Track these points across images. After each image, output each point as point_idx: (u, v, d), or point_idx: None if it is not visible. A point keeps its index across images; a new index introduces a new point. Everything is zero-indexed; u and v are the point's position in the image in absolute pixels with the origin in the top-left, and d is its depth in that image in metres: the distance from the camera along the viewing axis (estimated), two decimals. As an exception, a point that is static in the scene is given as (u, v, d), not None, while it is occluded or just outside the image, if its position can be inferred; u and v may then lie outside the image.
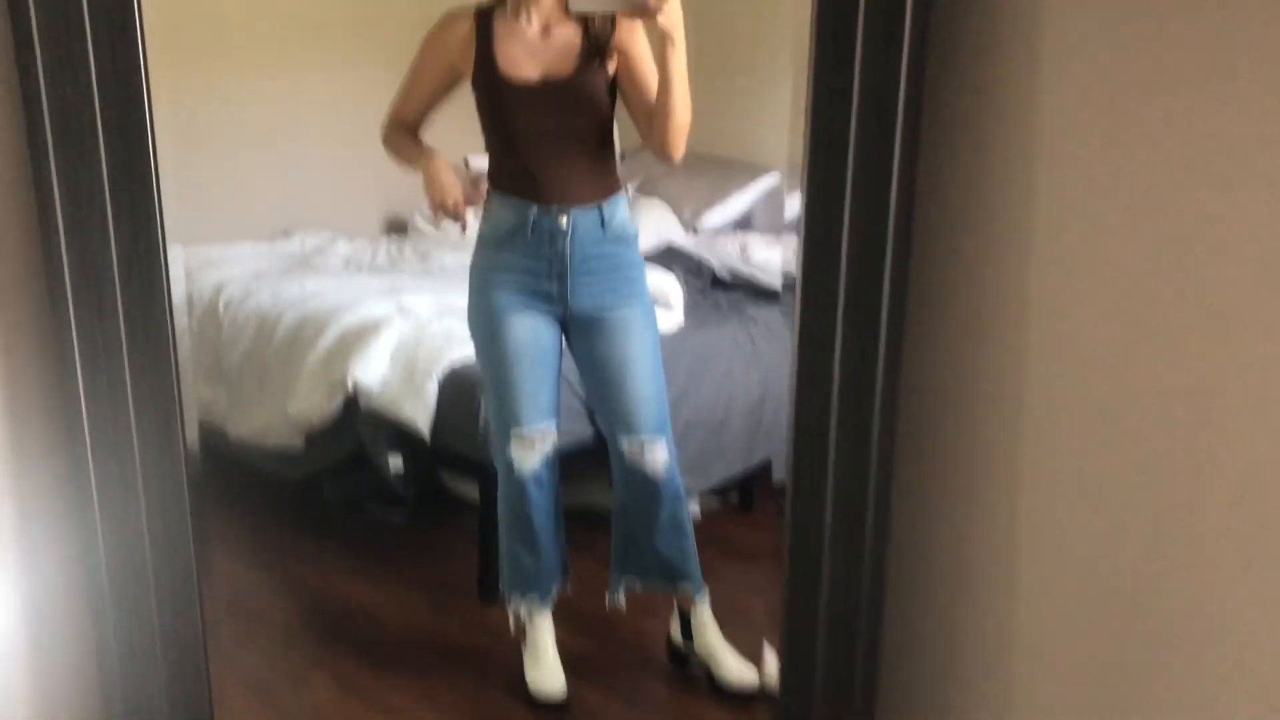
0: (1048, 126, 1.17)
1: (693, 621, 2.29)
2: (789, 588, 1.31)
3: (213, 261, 3.43)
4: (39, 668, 1.42)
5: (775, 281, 3.22)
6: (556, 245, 2.08)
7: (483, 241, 2.16)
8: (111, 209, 1.26)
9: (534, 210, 2.07)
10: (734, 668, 2.24)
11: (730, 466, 2.91)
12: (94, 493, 1.26)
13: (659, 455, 2.19)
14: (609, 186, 2.12)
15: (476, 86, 2.06)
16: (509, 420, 2.16)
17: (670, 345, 2.76)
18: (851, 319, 1.17)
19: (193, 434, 1.32)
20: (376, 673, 2.24)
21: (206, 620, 1.41)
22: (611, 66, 2.04)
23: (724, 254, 3.44)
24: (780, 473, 1.35)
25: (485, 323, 2.16)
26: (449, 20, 2.09)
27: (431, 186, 2.13)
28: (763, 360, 2.97)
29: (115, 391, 1.25)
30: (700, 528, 2.92)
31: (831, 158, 1.15)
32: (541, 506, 2.21)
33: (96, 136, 1.20)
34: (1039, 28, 1.15)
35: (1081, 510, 1.27)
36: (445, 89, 2.14)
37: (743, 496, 3.07)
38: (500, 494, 2.24)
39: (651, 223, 3.70)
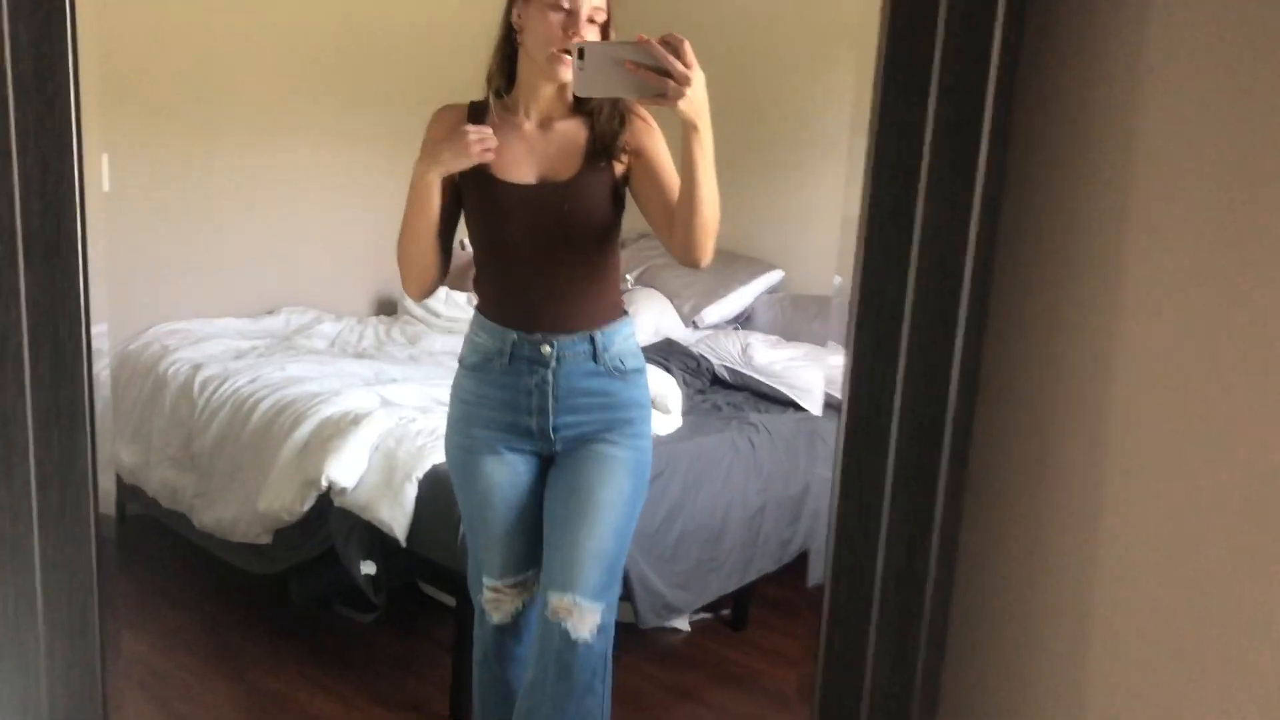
0: (1142, 205, 1.03)
1: None
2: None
3: (193, 337, 3.30)
4: None
5: (779, 386, 3.09)
6: (536, 376, 1.76)
7: (462, 368, 1.85)
8: (29, 349, 0.98)
9: (514, 336, 1.76)
10: None
11: (725, 582, 2.74)
12: None
13: (587, 623, 1.76)
14: (607, 311, 1.80)
15: (465, 189, 1.75)
16: (481, 568, 1.88)
17: (667, 450, 2.62)
18: (908, 442, 0.97)
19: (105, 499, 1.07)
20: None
21: None
22: (620, 167, 1.75)
23: (725, 352, 3.32)
24: (817, 576, 1.12)
25: (460, 459, 1.86)
26: (440, 116, 1.80)
27: (451, 155, 1.68)
28: (763, 469, 2.82)
29: (21, 560, 1.00)
30: (688, 647, 2.76)
31: (890, 269, 0.95)
32: (514, 658, 1.92)
33: (17, 264, 0.96)
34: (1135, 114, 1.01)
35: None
36: (452, 200, 1.77)
37: (736, 613, 2.90)
38: (475, 634, 1.98)
39: (650, 315, 3.59)
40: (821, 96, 3.68)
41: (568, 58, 1.59)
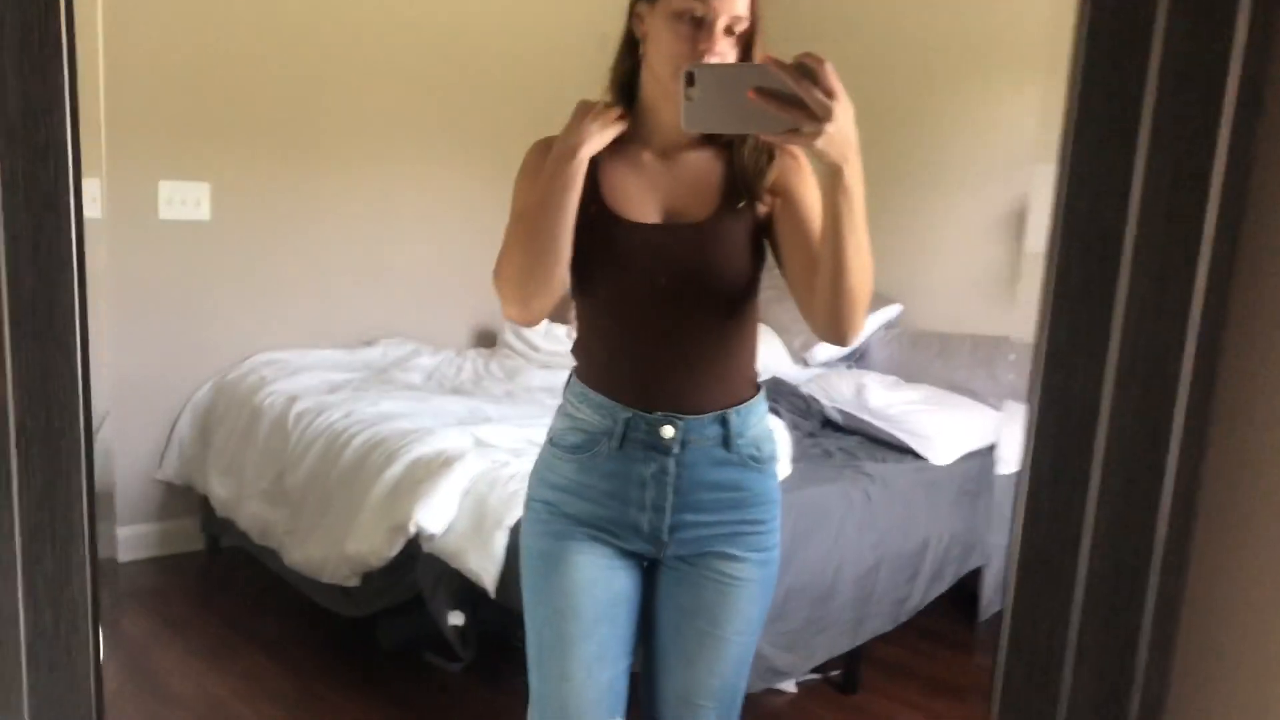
0: None
1: None
2: None
3: (290, 369, 3.25)
4: None
5: (896, 432, 2.88)
6: (654, 465, 1.41)
7: (555, 448, 1.48)
8: (18, 453, 0.75)
9: (628, 414, 1.41)
10: None
11: (835, 643, 2.54)
12: None
13: None
14: (743, 386, 1.45)
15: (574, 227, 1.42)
16: (551, 712, 1.47)
17: (774, 501, 2.44)
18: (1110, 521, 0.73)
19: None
20: None
21: None
22: (763, 209, 1.41)
23: (837, 393, 3.12)
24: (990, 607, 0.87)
25: (542, 549, 1.47)
26: (540, 148, 1.45)
27: (585, 128, 1.38)
28: (879, 522, 2.61)
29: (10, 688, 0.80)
30: (793, 710, 2.56)
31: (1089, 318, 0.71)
32: None
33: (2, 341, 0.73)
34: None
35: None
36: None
37: (846, 675, 2.69)
38: None
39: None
40: (949, 120, 3.47)
41: None
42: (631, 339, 1.42)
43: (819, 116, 1.15)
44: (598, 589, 1.44)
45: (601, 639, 1.44)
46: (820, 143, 1.17)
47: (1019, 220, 3.31)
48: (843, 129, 1.17)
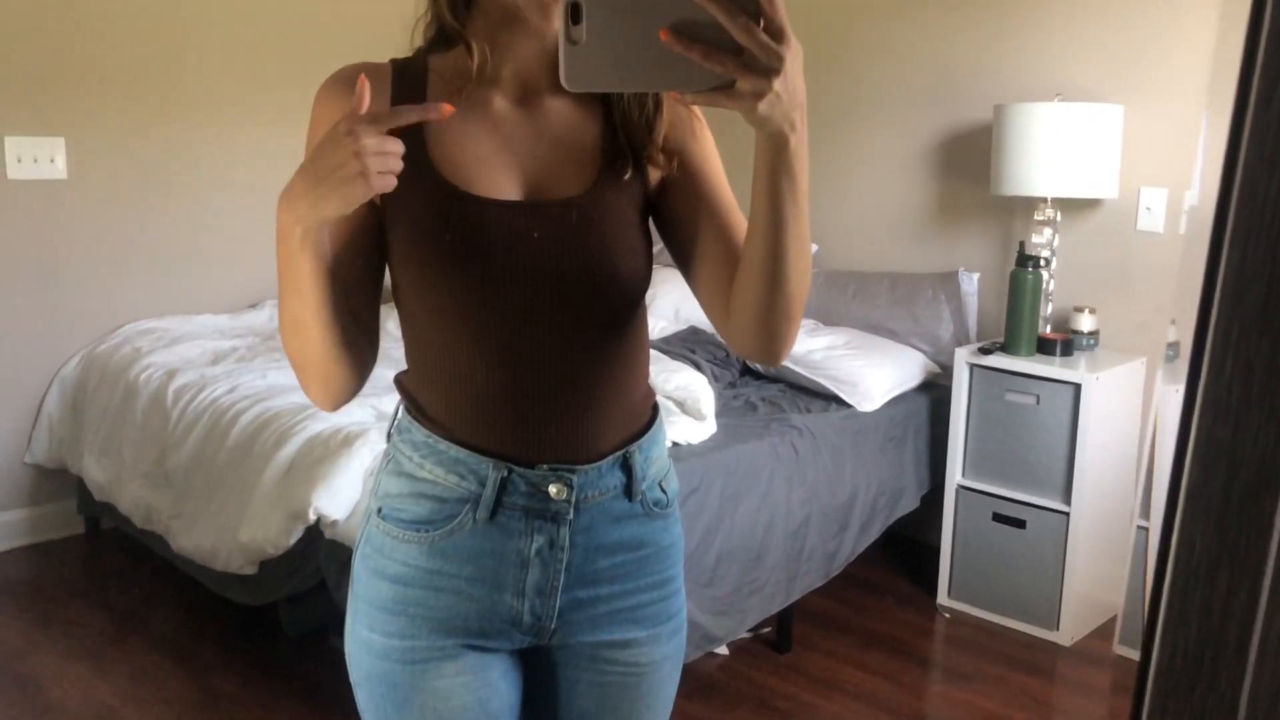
0: None
1: None
2: None
3: (169, 338, 2.98)
4: None
5: (820, 379, 2.77)
6: (541, 539, 1.04)
7: (384, 523, 1.06)
8: None
9: (500, 473, 1.02)
10: None
11: (768, 604, 2.44)
12: None
13: None
14: (642, 408, 1.10)
15: (388, 209, 1.00)
16: None
17: (702, 462, 2.31)
18: None
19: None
20: None
21: None
22: (655, 175, 1.05)
23: (756, 340, 2.99)
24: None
25: (383, 688, 1.07)
26: (336, 91, 1.01)
27: (318, 175, 0.87)
28: (807, 477, 2.51)
29: None
30: (727, 676, 2.46)
31: None
32: None
33: None
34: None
35: None
36: (361, 226, 1.00)
37: (780, 634, 2.60)
38: None
39: (670, 298, 3.26)
40: (866, 51, 3.33)
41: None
42: (496, 368, 1.01)
43: (763, 67, 0.79)
44: (471, 710, 1.06)
45: None
46: (763, 105, 0.80)
47: (946, 152, 3.20)
48: (792, 85, 0.81)
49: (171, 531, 2.52)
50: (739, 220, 1.03)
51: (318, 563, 2.18)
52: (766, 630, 2.63)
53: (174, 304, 3.19)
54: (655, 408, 1.12)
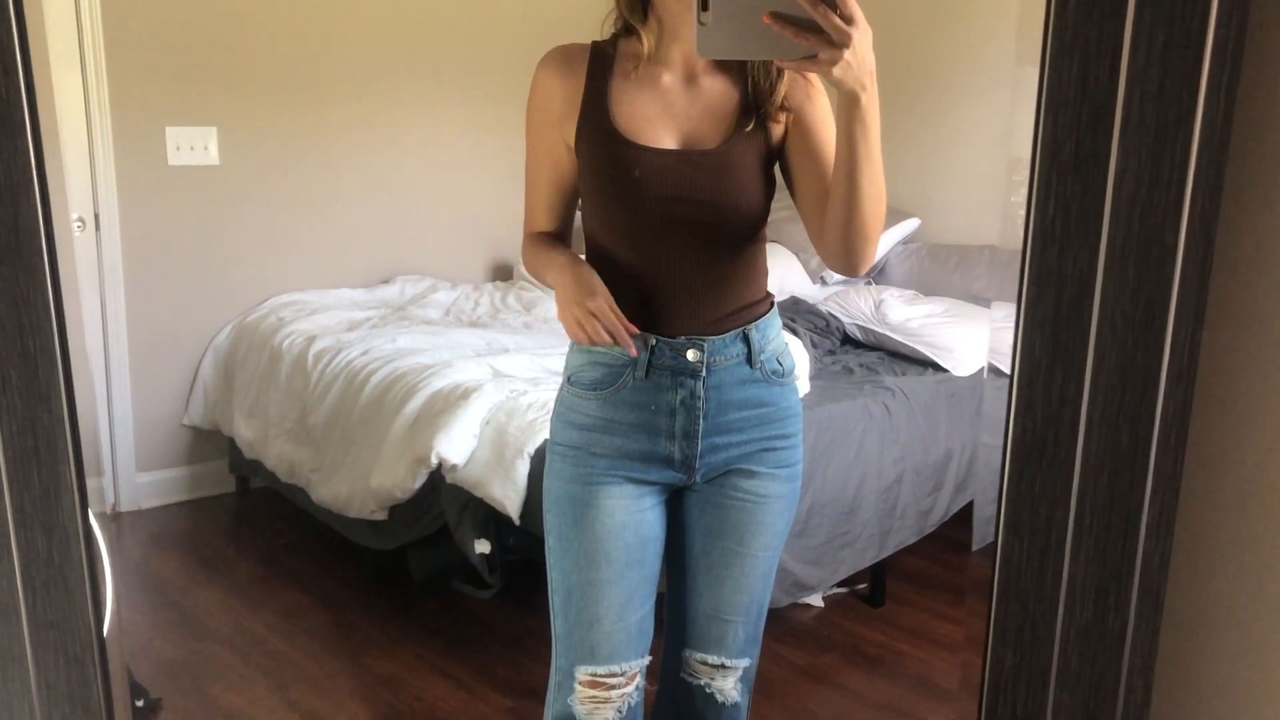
0: None
1: None
2: None
3: (309, 309, 3.26)
4: None
5: (917, 345, 2.86)
6: (683, 391, 1.39)
7: (575, 388, 1.44)
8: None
9: (651, 342, 1.38)
10: None
11: (860, 557, 2.55)
12: None
13: (733, 681, 1.51)
14: (759, 303, 1.44)
15: (582, 152, 1.38)
16: (578, 653, 1.45)
17: (794, 419, 2.44)
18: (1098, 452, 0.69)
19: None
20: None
21: None
22: (778, 131, 1.38)
23: (856, 310, 3.10)
24: (981, 538, 0.84)
25: (570, 494, 1.43)
26: (552, 62, 1.41)
27: (565, 301, 1.38)
28: (900, 435, 2.61)
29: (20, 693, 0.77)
30: (821, 625, 2.59)
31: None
32: None
33: None
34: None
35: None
36: (568, 170, 1.43)
37: (873, 589, 2.71)
38: None
39: (774, 272, 3.38)
40: (963, 31, 3.39)
41: None
42: (649, 265, 1.37)
43: (836, 43, 1.11)
44: (627, 533, 1.41)
45: (630, 583, 1.42)
46: (837, 70, 1.12)
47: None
48: (861, 55, 1.13)
49: (312, 484, 2.78)
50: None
51: (440, 507, 2.40)
52: (861, 587, 2.74)
53: (314, 279, 3.47)
54: (772, 305, 1.46)
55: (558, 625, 1.47)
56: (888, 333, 2.93)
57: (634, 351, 1.35)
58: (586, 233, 1.43)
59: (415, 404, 2.43)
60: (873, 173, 1.25)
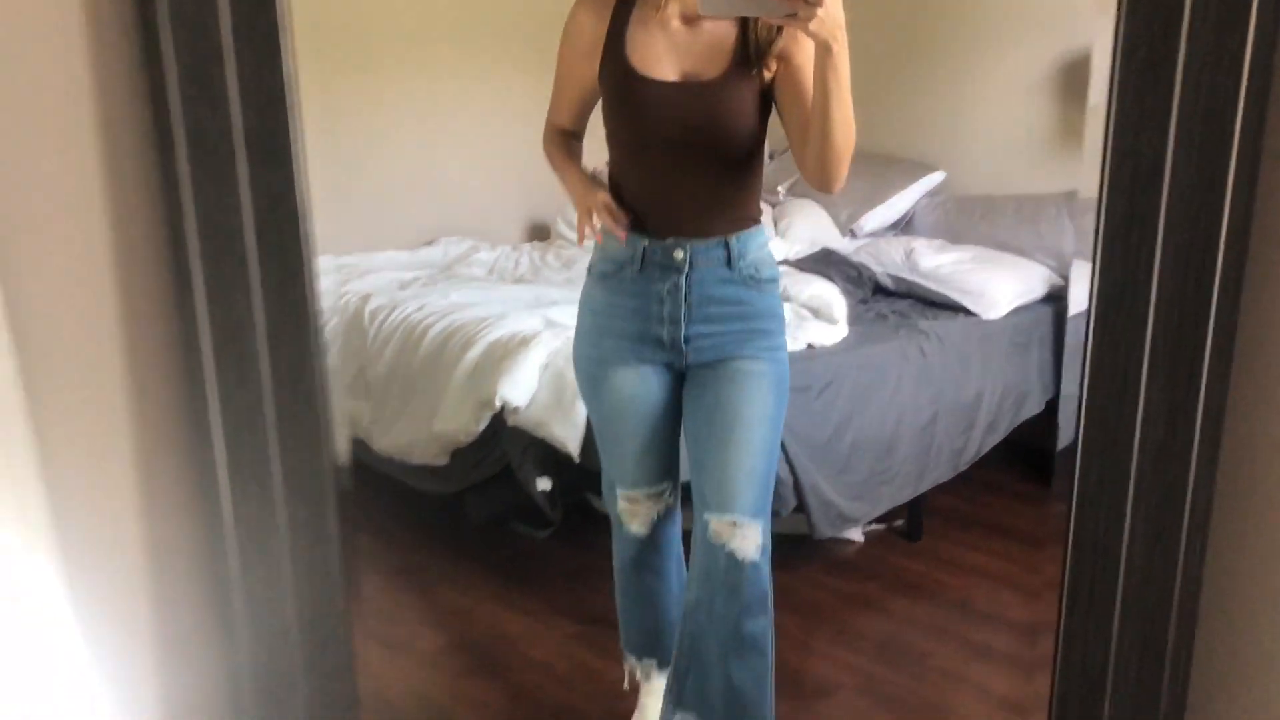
0: None
1: None
2: (1066, 648, 0.97)
3: (359, 270, 3.39)
4: (171, 700, 1.25)
5: (947, 291, 2.98)
6: (668, 283, 1.72)
7: (591, 277, 1.84)
8: (258, 255, 1.05)
9: (645, 242, 1.72)
10: None
11: (898, 493, 2.68)
12: (237, 585, 1.05)
13: (750, 542, 1.74)
14: (743, 218, 1.75)
15: (602, 82, 1.71)
16: (614, 479, 1.90)
17: (834, 361, 2.56)
18: (1155, 399, 0.86)
19: (339, 452, 1.12)
20: (526, 714, 2.11)
21: (355, 653, 1.20)
22: (768, 74, 1.67)
23: (887, 259, 3.21)
24: (1066, 436, 1.00)
25: (589, 371, 1.85)
26: (587, 3, 1.73)
27: (576, 204, 1.79)
28: (934, 376, 2.73)
29: (261, 467, 1.05)
30: (862, 558, 2.72)
31: (1138, 190, 0.81)
32: (653, 568, 1.95)
33: (237, 172, 1.01)
34: None
35: None
36: (589, 90, 1.77)
37: (911, 524, 2.84)
38: (614, 546, 1.99)
39: (805, 226, 3.50)
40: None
41: None
42: (650, 180, 1.71)
43: (812, 2, 1.41)
44: (637, 401, 1.80)
45: (645, 435, 1.83)
46: (813, 26, 1.43)
47: (1063, 75, 3.33)
48: (831, 13, 1.44)
49: (371, 435, 2.92)
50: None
51: (501, 449, 2.53)
52: (899, 523, 2.88)
53: (359, 243, 3.60)
54: (757, 223, 1.75)
55: (601, 458, 1.93)
56: (919, 280, 3.05)
57: (622, 235, 1.71)
58: (610, 151, 1.76)
59: (475, 353, 2.56)
60: (843, 108, 1.55)
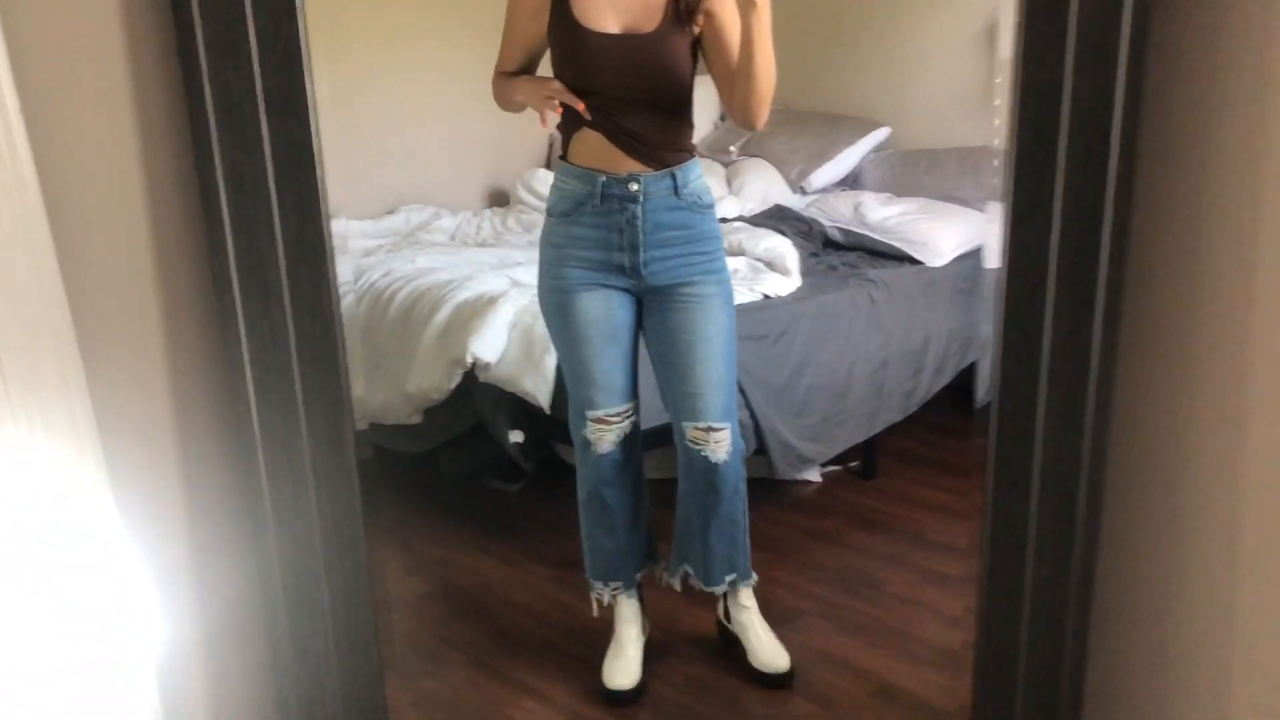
0: None
1: (732, 604, 2.19)
2: (989, 574, 1.15)
3: (321, 240, 3.45)
4: (215, 676, 1.40)
5: (894, 242, 3.11)
6: (627, 213, 1.93)
7: (550, 215, 2.03)
8: (276, 195, 1.20)
9: (603, 178, 1.93)
10: (764, 651, 2.13)
11: (852, 434, 2.83)
12: (265, 491, 1.22)
13: (722, 445, 2.04)
14: (683, 151, 1.99)
15: (551, 36, 1.91)
16: (583, 402, 2.06)
17: (789, 310, 2.69)
18: (1064, 295, 1.03)
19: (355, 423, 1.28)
20: (510, 652, 2.23)
21: (378, 612, 1.38)
22: (697, 28, 1.91)
23: (836, 213, 3.34)
24: (982, 395, 1.20)
25: (555, 300, 2.02)
26: None
27: (534, 98, 1.96)
28: (884, 323, 2.87)
29: (284, 382, 1.21)
30: (821, 496, 2.86)
31: (1042, 118, 1.00)
32: (620, 487, 2.11)
33: (259, 123, 1.16)
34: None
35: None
36: (536, 43, 1.98)
37: (865, 464, 2.99)
38: (579, 474, 2.14)
39: (758, 184, 3.62)
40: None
41: None
42: (602, 121, 1.91)
43: None
44: (602, 323, 2.00)
45: (611, 356, 2.02)
46: None
47: (991, 32, 3.46)
48: None
49: (344, 398, 3.01)
50: (738, 45, 1.85)
51: (474, 405, 2.64)
52: (854, 464, 3.02)
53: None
54: (693, 155, 1.99)
55: (568, 385, 2.09)
56: (867, 232, 3.18)
57: (581, 106, 1.88)
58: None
59: (444, 314, 2.65)
60: (765, 55, 1.81)
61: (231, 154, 1.17)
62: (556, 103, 1.91)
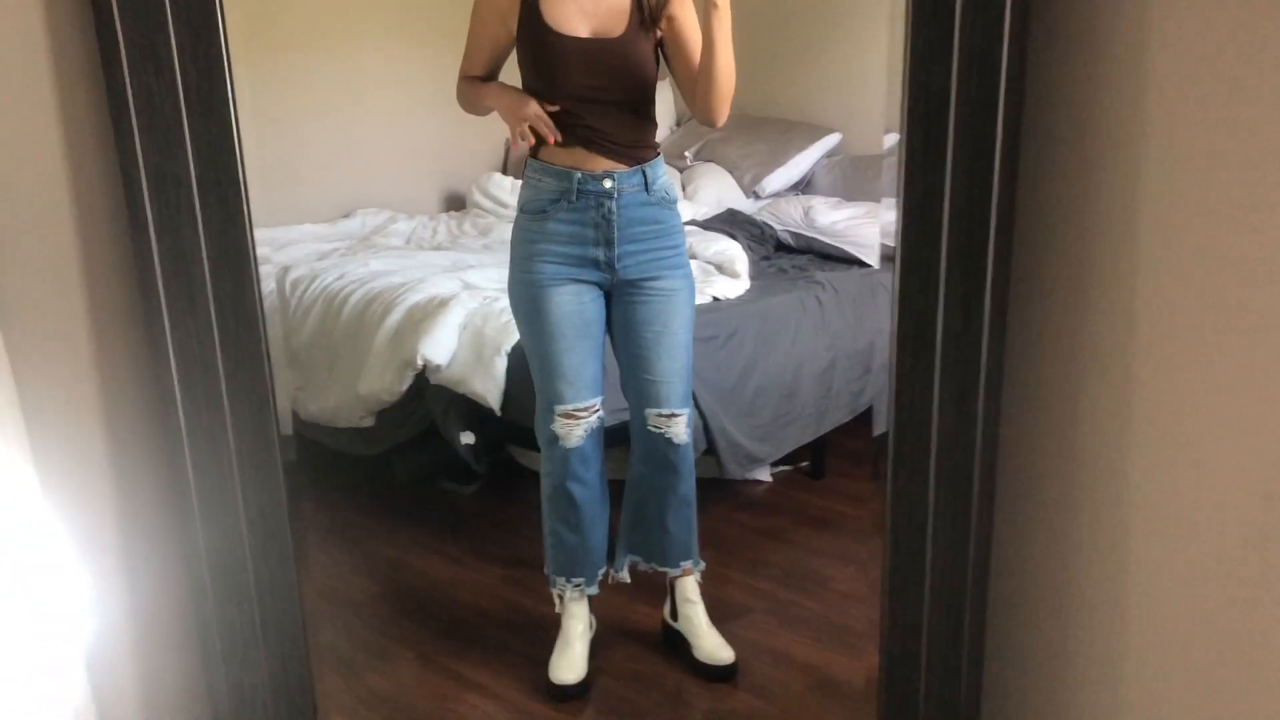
0: (1158, 87, 1.11)
1: (679, 598, 2.26)
2: (891, 570, 1.22)
3: (278, 243, 3.46)
4: (144, 663, 1.43)
5: (842, 245, 3.16)
6: (603, 208, 2.03)
7: (523, 212, 2.10)
8: (199, 199, 1.25)
9: (578, 175, 2.02)
10: (709, 645, 2.18)
11: (801, 434, 2.87)
12: (191, 483, 1.27)
13: (681, 426, 2.17)
14: (650, 149, 2.09)
15: (521, 40, 2.00)
16: (553, 397, 2.12)
17: (738, 312, 2.73)
18: (954, 287, 1.10)
19: (283, 419, 1.31)
20: (458, 649, 2.25)
21: (306, 604, 1.41)
22: (660, 32, 2.01)
23: (787, 217, 3.39)
24: (880, 426, 1.27)
25: (527, 294, 2.10)
26: None
27: (509, 117, 2.04)
28: (831, 325, 2.92)
29: (209, 379, 1.26)
30: (771, 495, 2.91)
31: (931, 120, 1.07)
32: (583, 480, 2.18)
33: (182, 126, 1.22)
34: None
35: (1198, 500, 1.21)
36: (503, 46, 2.06)
37: (814, 464, 3.03)
38: (543, 470, 2.20)
39: (711, 189, 3.66)
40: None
41: None
42: (574, 122, 2.00)
43: None
44: (574, 317, 2.08)
45: (581, 350, 2.10)
46: None
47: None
48: None
49: (298, 401, 3.01)
50: (699, 47, 1.96)
51: (424, 409, 2.66)
52: (804, 464, 3.06)
53: (280, 217, 3.66)
54: (659, 152, 2.10)
55: (536, 380, 2.15)
56: (816, 235, 3.23)
57: (552, 140, 1.99)
58: (525, 91, 2.03)
59: (395, 316, 2.68)
60: (726, 55, 1.92)
61: (154, 156, 1.22)
62: (531, 136, 1.99)
